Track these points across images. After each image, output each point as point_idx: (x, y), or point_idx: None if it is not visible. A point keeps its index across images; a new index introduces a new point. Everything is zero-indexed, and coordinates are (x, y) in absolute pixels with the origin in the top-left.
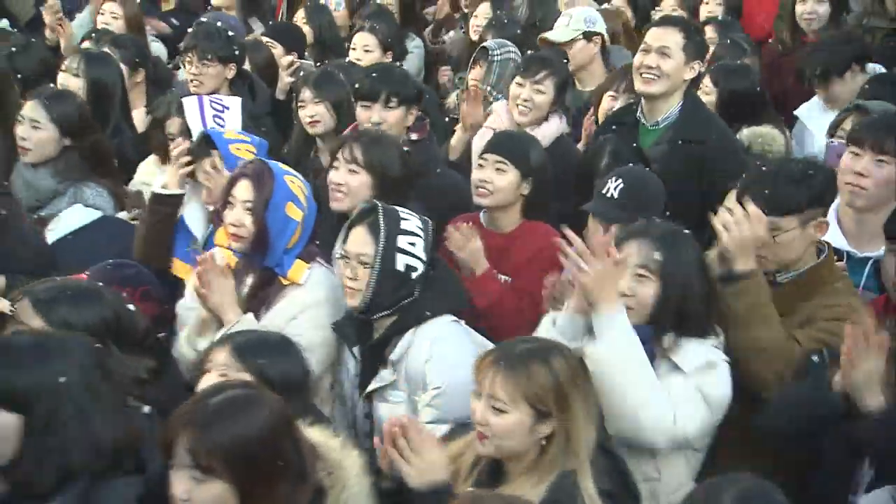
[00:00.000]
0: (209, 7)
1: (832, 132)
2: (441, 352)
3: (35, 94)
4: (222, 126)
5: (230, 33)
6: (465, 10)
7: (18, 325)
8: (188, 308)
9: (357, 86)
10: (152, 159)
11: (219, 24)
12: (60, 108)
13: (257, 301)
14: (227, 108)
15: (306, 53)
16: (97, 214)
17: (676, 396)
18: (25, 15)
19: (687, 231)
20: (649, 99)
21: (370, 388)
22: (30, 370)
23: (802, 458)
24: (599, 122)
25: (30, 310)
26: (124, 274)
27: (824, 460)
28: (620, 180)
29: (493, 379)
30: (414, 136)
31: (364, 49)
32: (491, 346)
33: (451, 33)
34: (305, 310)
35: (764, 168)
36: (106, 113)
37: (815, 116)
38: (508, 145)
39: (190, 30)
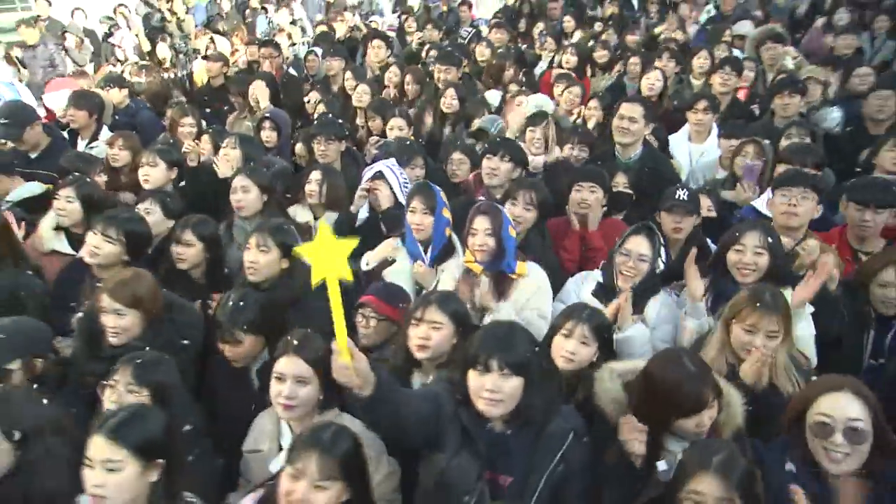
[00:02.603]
0: None
1: (731, 159)
2: None
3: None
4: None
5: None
6: None
7: None
8: None
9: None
10: None
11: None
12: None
13: (497, 293)
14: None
15: None
16: None
17: None
18: None
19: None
20: (624, 146)
21: None
22: None
23: None
24: None
25: None
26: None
27: None
28: (685, 190)
29: None
30: None
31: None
32: None
33: None
34: (536, 291)
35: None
36: None
37: (680, 145)
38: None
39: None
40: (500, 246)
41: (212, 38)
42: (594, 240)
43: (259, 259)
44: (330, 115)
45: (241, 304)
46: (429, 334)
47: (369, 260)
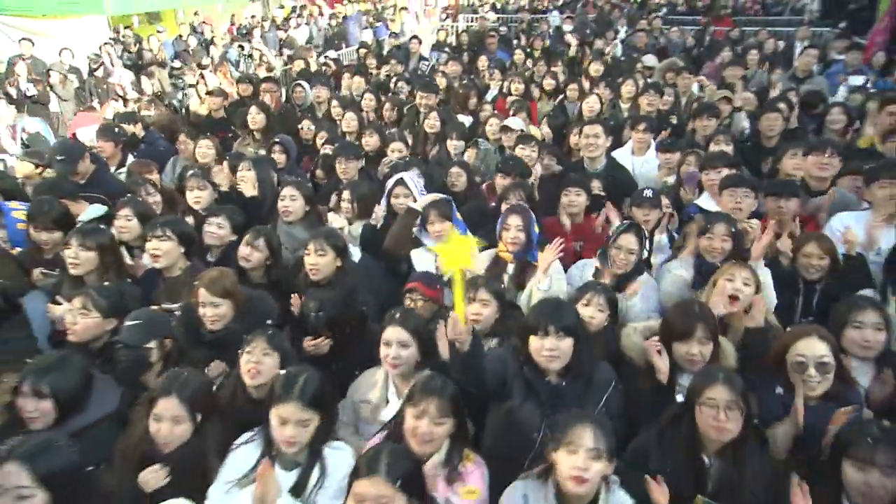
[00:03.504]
0: None
1: (678, 169)
2: None
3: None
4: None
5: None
6: None
7: None
8: None
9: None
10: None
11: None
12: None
13: (522, 279)
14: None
15: None
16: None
17: None
18: None
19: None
20: (592, 158)
21: None
22: None
23: None
24: None
25: None
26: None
27: None
28: (651, 190)
29: None
30: None
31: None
32: None
33: None
34: (557, 274)
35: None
36: None
37: (625, 157)
38: None
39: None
40: (528, 239)
41: (202, 74)
42: (582, 231)
43: (319, 261)
44: (347, 140)
45: (321, 311)
46: (480, 310)
47: None
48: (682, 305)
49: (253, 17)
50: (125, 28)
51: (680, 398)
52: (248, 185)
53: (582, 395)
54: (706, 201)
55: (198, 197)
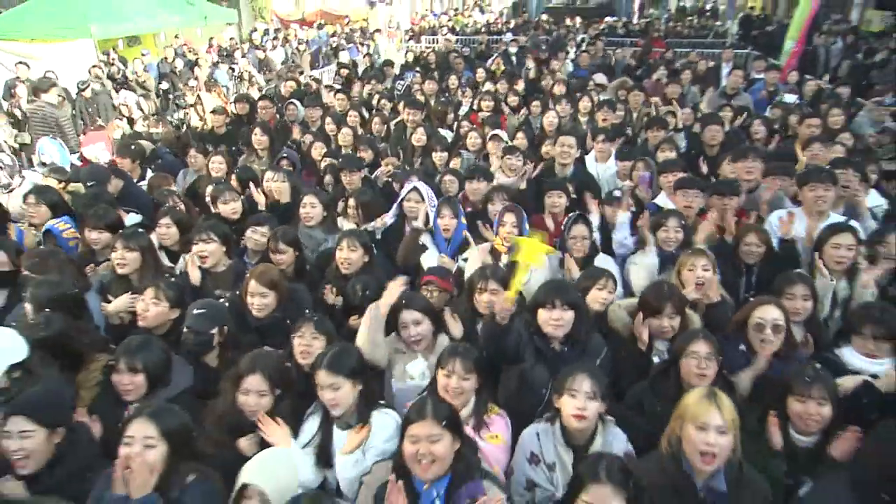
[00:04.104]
0: None
1: (629, 175)
2: None
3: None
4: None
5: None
6: None
7: None
8: None
9: None
10: None
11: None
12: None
13: None
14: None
15: None
16: None
17: None
18: None
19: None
20: (563, 165)
21: None
22: None
23: None
24: None
25: None
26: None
27: None
28: (619, 190)
29: None
30: None
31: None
32: None
33: None
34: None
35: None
36: None
37: (590, 164)
38: None
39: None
40: (520, 234)
41: (198, 96)
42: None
43: (350, 256)
44: (351, 152)
45: (367, 290)
46: (491, 299)
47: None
48: (654, 287)
49: (231, 39)
50: (112, 50)
51: (656, 360)
52: (284, 194)
53: (578, 359)
54: (663, 199)
55: (233, 209)
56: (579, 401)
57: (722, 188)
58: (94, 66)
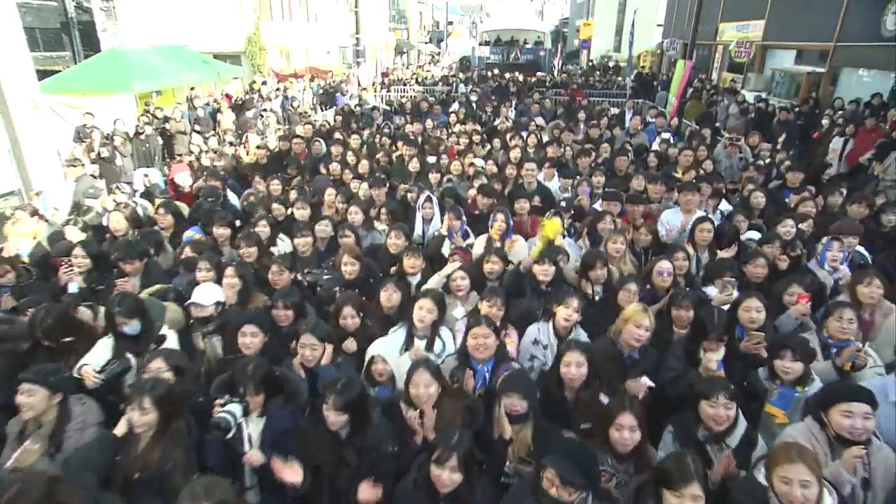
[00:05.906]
0: None
1: (575, 189)
2: None
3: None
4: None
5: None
6: None
7: None
8: None
9: None
10: None
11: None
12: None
13: (503, 249)
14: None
15: None
16: None
17: None
18: None
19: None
20: (528, 182)
21: None
22: None
23: None
24: None
25: None
26: None
27: None
28: (564, 201)
29: None
30: None
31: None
32: None
33: None
34: (523, 247)
35: None
36: None
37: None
38: None
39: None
40: (507, 227)
41: (246, 136)
42: (533, 224)
43: (398, 242)
44: (378, 174)
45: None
46: (492, 267)
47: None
48: (589, 253)
49: (246, 92)
50: (148, 102)
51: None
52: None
53: (556, 294)
54: (598, 205)
55: (302, 214)
56: (570, 311)
57: (633, 198)
58: (142, 115)
